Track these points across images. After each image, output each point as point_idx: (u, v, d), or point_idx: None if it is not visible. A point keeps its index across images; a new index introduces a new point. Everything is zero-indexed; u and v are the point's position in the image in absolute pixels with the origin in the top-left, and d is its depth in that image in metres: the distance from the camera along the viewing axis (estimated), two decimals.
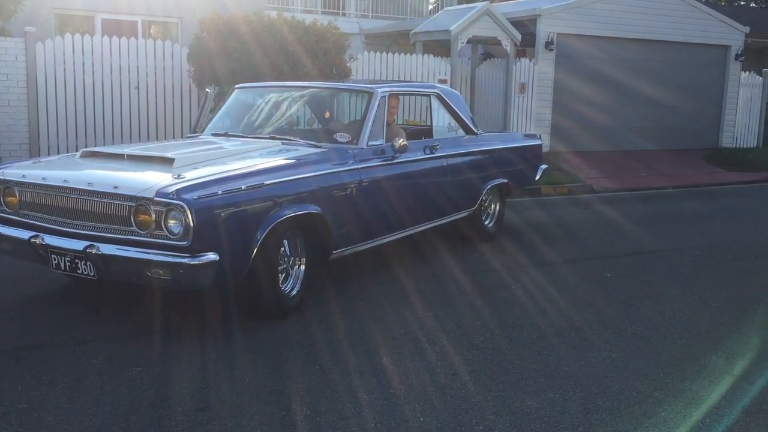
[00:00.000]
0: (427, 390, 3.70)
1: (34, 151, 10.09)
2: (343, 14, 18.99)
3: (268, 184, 4.42)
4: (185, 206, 3.86)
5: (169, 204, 3.90)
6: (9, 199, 4.58)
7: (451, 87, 13.07)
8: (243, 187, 4.25)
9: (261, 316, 4.60)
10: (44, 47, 10.14)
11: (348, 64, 10.24)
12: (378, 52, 13.14)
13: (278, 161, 4.85)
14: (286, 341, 4.30)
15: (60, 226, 4.30)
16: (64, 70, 10.28)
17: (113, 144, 10.52)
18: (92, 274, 4.15)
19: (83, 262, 4.13)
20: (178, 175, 4.11)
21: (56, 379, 3.66)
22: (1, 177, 4.58)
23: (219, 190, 4.09)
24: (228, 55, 9.03)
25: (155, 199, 3.92)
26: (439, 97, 6.63)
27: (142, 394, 3.54)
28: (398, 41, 16.55)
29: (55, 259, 4.25)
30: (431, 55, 13.48)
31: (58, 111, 10.32)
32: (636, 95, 15.83)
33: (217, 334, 4.37)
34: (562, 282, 5.85)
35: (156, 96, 10.96)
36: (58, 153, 10.03)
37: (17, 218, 4.54)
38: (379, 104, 5.61)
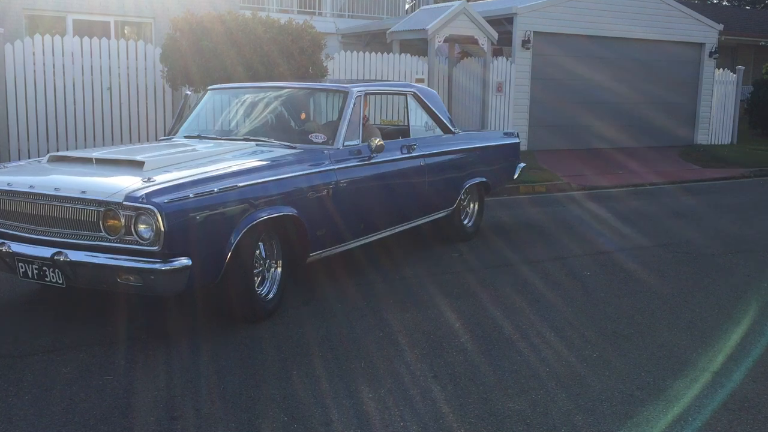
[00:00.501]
0: (407, 394, 3.63)
1: (3, 155, 9.89)
2: (320, 14, 18.88)
3: (242, 186, 4.32)
4: (155, 210, 3.75)
5: (138, 208, 3.79)
6: None
7: (428, 86, 13.04)
8: (215, 189, 4.14)
9: (236, 320, 4.50)
10: (13, 48, 9.94)
11: (324, 64, 10.14)
12: (355, 52, 13.06)
13: (252, 163, 4.75)
14: (262, 346, 4.20)
15: (27, 233, 4.18)
16: (34, 71, 10.09)
17: (85, 147, 10.35)
18: (61, 281, 4.03)
19: (51, 269, 4.01)
20: (148, 179, 4.01)
21: (23, 389, 3.54)
22: None
23: (190, 193, 3.99)
24: (201, 55, 8.89)
25: (124, 203, 3.82)
26: (415, 97, 6.57)
27: (113, 403, 3.43)
28: (375, 41, 16.49)
29: (22, 268, 4.13)
30: (408, 55, 13.43)
31: (28, 113, 10.12)
32: (612, 93, 15.90)
33: (190, 340, 4.26)
34: (541, 281, 5.81)
35: (129, 97, 10.79)
36: (29, 157, 9.84)
37: None
38: (354, 104, 5.54)
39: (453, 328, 4.61)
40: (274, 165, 4.79)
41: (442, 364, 4.03)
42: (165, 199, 3.83)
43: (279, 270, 4.75)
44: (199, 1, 13.21)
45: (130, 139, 10.79)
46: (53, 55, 10.19)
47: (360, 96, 5.65)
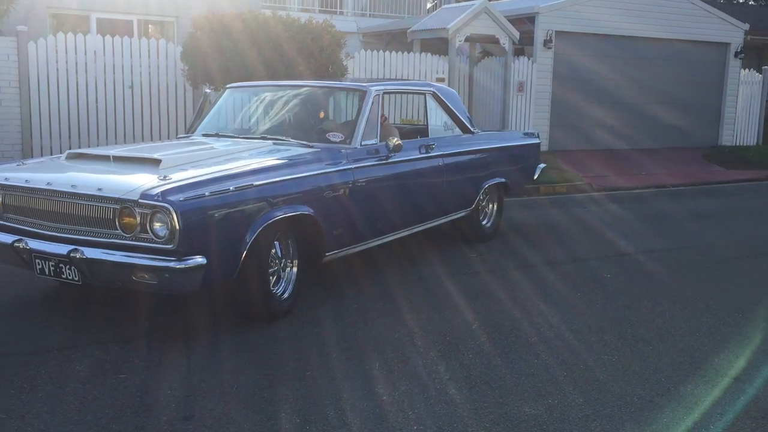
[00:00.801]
0: (422, 396, 3.58)
1: (26, 151, 9.97)
2: (341, 13, 18.87)
3: (258, 185, 4.30)
4: (171, 208, 3.74)
5: (154, 206, 3.78)
6: None
7: (448, 86, 12.97)
8: (231, 188, 4.12)
9: (251, 319, 4.48)
10: (36, 46, 10.01)
11: (344, 63, 10.11)
12: (375, 51, 13.02)
13: (269, 161, 4.72)
14: (277, 346, 4.18)
15: (44, 230, 4.19)
16: (57, 69, 10.16)
17: (107, 144, 10.41)
18: (77, 279, 4.04)
19: (67, 266, 4.02)
20: (164, 177, 4.00)
21: (37, 386, 3.54)
22: None
23: (206, 191, 3.97)
24: (222, 54, 8.90)
25: (140, 201, 3.80)
26: (435, 96, 6.51)
27: (125, 402, 3.42)
28: (396, 40, 16.44)
29: (39, 264, 4.13)
30: (429, 54, 13.36)
31: (51, 111, 10.20)
32: (635, 93, 15.72)
33: (205, 339, 4.25)
34: (560, 283, 5.74)
35: (150, 95, 10.83)
36: (51, 153, 9.92)
37: (0, 222, 4.42)
38: (372, 103, 5.50)
39: (470, 330, 4.56)
40: (291, 164, 4.77)
41: (458, 366, 3.98)
42: (180, 197, 3.82)
43: (295, 269, 4.73)
44: (222, 1, 13.26)
45: (151, 137, 10.84)
46: (76, 53, 10.25)
47: (378, 95, 5.61)
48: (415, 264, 6.13)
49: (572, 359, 4.12)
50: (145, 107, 10.81)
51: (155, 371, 3.78)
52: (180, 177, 4.05)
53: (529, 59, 14.51)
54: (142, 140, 10.69)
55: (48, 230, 4.17)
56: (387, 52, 13.08)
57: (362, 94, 5.58)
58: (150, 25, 15.31)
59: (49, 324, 4.44)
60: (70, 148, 9.64)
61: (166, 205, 3.75)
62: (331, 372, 3.84)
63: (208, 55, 9.02)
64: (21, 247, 4.14)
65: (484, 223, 7.12)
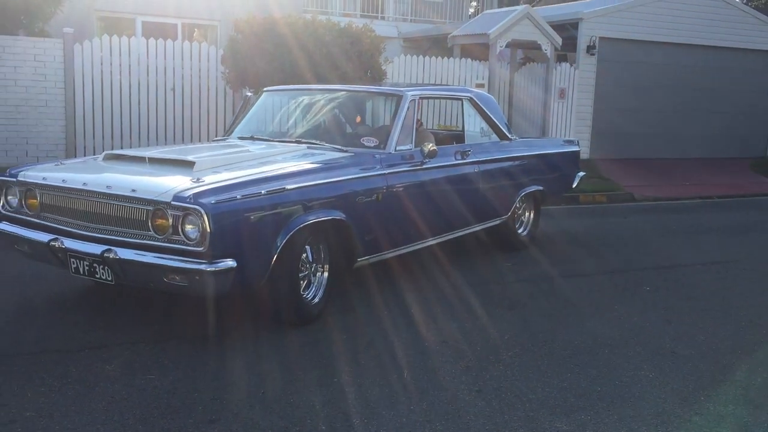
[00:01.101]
0: (450, 407, 3.51)
1: (70, 151, 10.16)
2: (382, 18, 18.87)
3: (290, 189, 4.28)
4: (202, 211, 3.74)
5: (186, 208, 3.79)
6: (30, 201, 4.52)
7: (488, 91, 12.86)
8: (263, 191, 4.11)
9: (282, 323, 4.46)
10: (82, 48, 10.20)
11: (383, 67, 10.09)
12: (414, 56, 12.98)
13: (302, 165, 4.70)
14: (305, 351, 4.14)
15: (79, 229, 4.22)
16: (101, 71, 10.33)
17: (147, 145, 10.55)
18: (110, 279, 4.07)
19: (101, 266, 4.05)
20: (197, 179, 4.02)
21: (67, 385, 3.56)
22: (23, 179, 4.52)
23: (238, 194, 3.96)
24: (261, 57, 8.95)
25: (172, 203, 3.82)
26: (472, 102, 6.43)
27: (153, 403, 3.42)
28: (436, 45, 16.36)
29: (74, 263, 4.18)
30: (469, 59, 13.26)
31: (94, 112, 10.38)
32: (681, 101, 15.39)
33: (234, 342, 4.24)
34: (598, 294, 5.60)
35: (191, 98, 10.96)
36: (94, 153, 10.08)
37: (38, 221, 4.47)
38: (408, 108, 5.45)
39: (501, 341, 4.47)
40: (324, 168, 4.74)
41: (488, 377, 3.90)
42: (212, 199, 3.82)
43: (325, 274, 4.70)
44: (266, 4, 13.38)
45: (191, 139, 10.95)
46: (120, 55, 10.42)
47: (414, 100, 5.56)
48: (449, 271, 6.05)
49: (607, 374, 4.01)
50: (186, 109, 10.93)
51: (184, 373, 3.77)
52: (213, 180, 4.06)
53: (571, 65, 14.31)
54: (183, 142, 10.81)
55: (83, 230, 4.20)
56: (426, 57, 13.02)
57: (398, 98, 5.53)
58: (195, 29, 15.52)
59: (82, 323, 4.48)
60: (112, 149, 9.79)
61: (197, 207, 3.75)
62: (359, 379, 3.79)
63: (248, 59, 9.08)
64: (57, 246, 4.18)
65: (520, 231, 7.01)
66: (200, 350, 4.10)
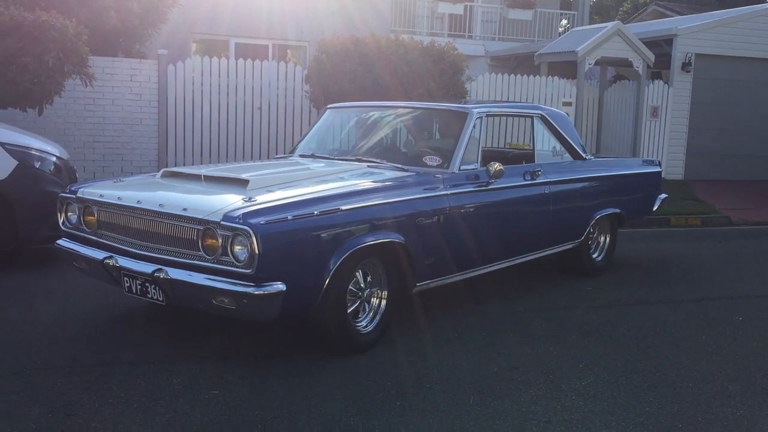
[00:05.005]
0: None
1: (162, 167, 10.53)
2: (470, 36, 18.79)
3: (345, 210, 4.11)
4: (251, 231, 3.61)
5: (235, 228, 3.66)
6: (88, 218, 4.51)
7: (576, 110, 12.56)
8: (316, 212, 3.95)
9: (330, 352, 4.30)
10: (175, 69, 10.60)
11: (466, 86, 10.00)
12: (500, 74, 12.82)
13: (359, 185, 4.53)
14: (369, 373, 4.06)
15: (134, 248, 4.18)
16: (193, 91, 10.71)
17: (235, 162, 10.82)
18: (161, 299, 4.00)
19: (152, 286, 3.99)
20: (249, 198, 3.91)
21: (133, 397, 3.62)
22: (81, 196, 4.52)
23: (289, 215, 3.82)
24: (343, 76, 9.03)
25: (222, 223, 3.71)
26: (543, 119, 6.12)
27: (214, 419, 3.42)
28: (524, 64, 16.12)
29: (127, 282, 4.13)
30: (556, 77, 12.98)
31: (185, 130, 10.75)
32: None
33: (300, 360, 4.21)
34: (684, 323, 5.29)
35: (277, 116, 11.20)
36: None
37: (95, 238, 4.46)
38: (474, 126, 5.23)
39: (576, 369, 4.26)
40: (382, 188, 4.57)
41: (559, 408, 3.71)
42: (261, 220, 3.69)
43: (383, 302, 4.48)
44: (353, 25, 13.57)
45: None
46: (210, 75, 10.78)
47: (481, 117, 5.35)
48: (523, 294, 5.87)
49: (689, 410, 3.74)
50: (272, 127, 11.18)
51: (247, 390, 3.77)
52: (264, 199, 3.94)
53: (665, 83, 13.78)
54: (268, 159, 11.02)
55: (137, 248, 4.15)
56: (512, 75, 12.84)
57: (463, 116, 5.32)
58: (288, 50, 15.91)
59: (154, 335, 4.57)
60: (201, 164, 10.08)
61: (246, 227, 3.63)
62: (422, 404, 3.68)
63: (331, 77, 9.19)
64: (111, 264, 4.16)
65: (594, 256, 6.65)
66: (265, 367, 4.09)
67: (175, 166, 10.61)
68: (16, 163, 6.00)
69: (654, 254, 7.91)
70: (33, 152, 6.22)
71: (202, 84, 10.76)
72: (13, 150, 6.04)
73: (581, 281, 6.40)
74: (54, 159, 6.38)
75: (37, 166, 6.21)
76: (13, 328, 4.61)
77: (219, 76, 10.83)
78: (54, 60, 7.62)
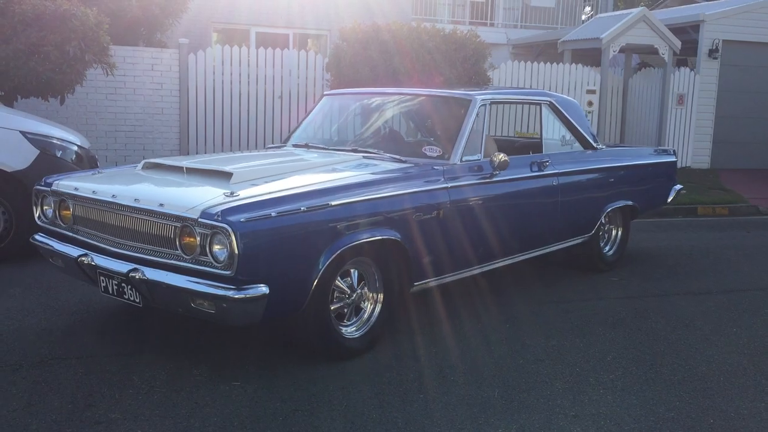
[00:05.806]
0: None
1: (184, 155, 10.54)
2: (492, 24, 18.59)
3: (335, 205, 3.78)
4: (230, 230, 3.31)
5: (213, 226, 3.37)
6: (64, 212, 4.22)
7: (600, 98, 12.36)
8: (303, 208, 3.63)
9: (317, 356, 4.05)
10: (196, 58, 10.58)
11: (488, 73, 9.86)
12: (522, 62, 12.66)
13: (352, 177, 4.23)
14: (393, 364, 4.00)
15: (110, 245, 3.89)
16: (213, 80, 10.69)
17: (256, 149, 10.79)
18: (137, 301, 3.72)
19: (129, 286, 3.71)
20: (231, 193, 3.61)
21: (154, 388, 3.59)
22: (56, 189, 4.23)
23: (273, 211, 3.50)
24: (364, 64, 8.94)
25: (200, 220, 3.41)
26: (551, 107, 5.77)
27: (234, 411, 3.38)
28: (547, 51, 15.91)
29: (103, 282, 3.86)
30: (580, 65, 12.79)
31: (206, 119, 10.74)
32: None
33: (321, 350, 4.15)
34: (713, 315, 5.17)
35: (298, 105, 11.15)
36: None
37: (71, 234, 4.18)
38: (477, 114, 4.91)
39: (603, 362, 4.17)
40: (377, 181, 4.21)
41: (586, 401, 3.63)
42: (241, 217, 3.38)
43: (377, 306, 4.19)
44: (373, 13, 13.45)
45: None
46: (231, 64, 10.75)
47: (485, 105, 5.01)
48: (547, 285, 5.76)
49: (721, 404, 3.64)
50: (293, 115, 11.13)
51: (269, 381, 3.72)
52: (247, 194, 3.63)
53: (691, 70, 13.53)
54: (260, 150, 10.98)
55: (113, 246, 3.88)
56: (534, 63, 12.68)
57: (465, 103, 4.98)
58: (309, 39, 15.84)
59: (172, 326, 4.52)
60: (222, 152, 10.06)
61: (224, 225, 3.33)
62: (445, 396, 3.61)
63: (351, 66, 9.10)
64: (86, 262, 3.89)
65: (605, 250, 6.40)
66: (287, 357, 4.03)
67: (197, 154, 10.61)
68: (37, 152, 6.00)
69: (681, 244, 7.76)
70: (54, 141, 6.22)
71: (222, 73, 10.73)
72: (35, 139, 6.04)
73: (609, 272, 6.28)
74: (75, 148, 6.38)
75: (59, 155, 6.20)
76: (35, 318, 4.60)
77: (240, 65, 10.80)
78: (75, 49, 7.61)
